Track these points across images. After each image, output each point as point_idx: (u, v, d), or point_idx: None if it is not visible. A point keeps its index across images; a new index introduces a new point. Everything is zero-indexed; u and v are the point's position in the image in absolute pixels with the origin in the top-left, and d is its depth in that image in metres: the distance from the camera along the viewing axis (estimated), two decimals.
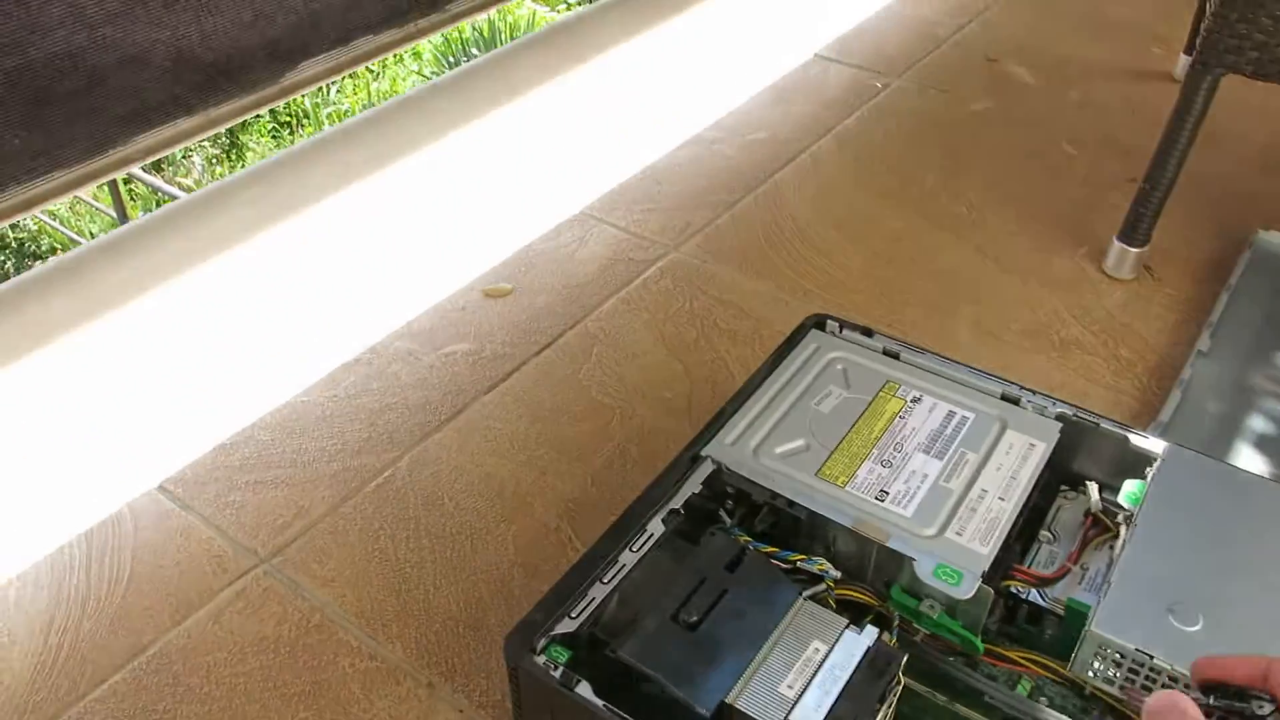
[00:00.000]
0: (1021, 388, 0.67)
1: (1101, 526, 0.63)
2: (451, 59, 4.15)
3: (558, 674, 0.52)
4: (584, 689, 0.51)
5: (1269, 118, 1.16)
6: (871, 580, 0.60)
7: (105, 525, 0.73)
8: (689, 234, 1.01)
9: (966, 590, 0.55)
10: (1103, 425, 0.65)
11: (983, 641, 0.58)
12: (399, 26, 0.87)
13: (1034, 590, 0.60)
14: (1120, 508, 0.62)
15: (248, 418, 0.80)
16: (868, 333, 0.72)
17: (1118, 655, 0.52)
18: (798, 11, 1.45)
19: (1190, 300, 0.92)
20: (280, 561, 0.70)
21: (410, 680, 0.63)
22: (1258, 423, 0.78)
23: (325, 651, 0.65)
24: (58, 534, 0.72)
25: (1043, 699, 0.57)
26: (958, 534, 0.58)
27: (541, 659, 0.52)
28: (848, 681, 0.51)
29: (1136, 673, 0.52)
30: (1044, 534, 0.65)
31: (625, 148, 1.14)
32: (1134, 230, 0.92)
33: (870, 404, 0.66)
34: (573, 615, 0.54)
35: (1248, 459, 0.75)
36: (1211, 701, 0.39)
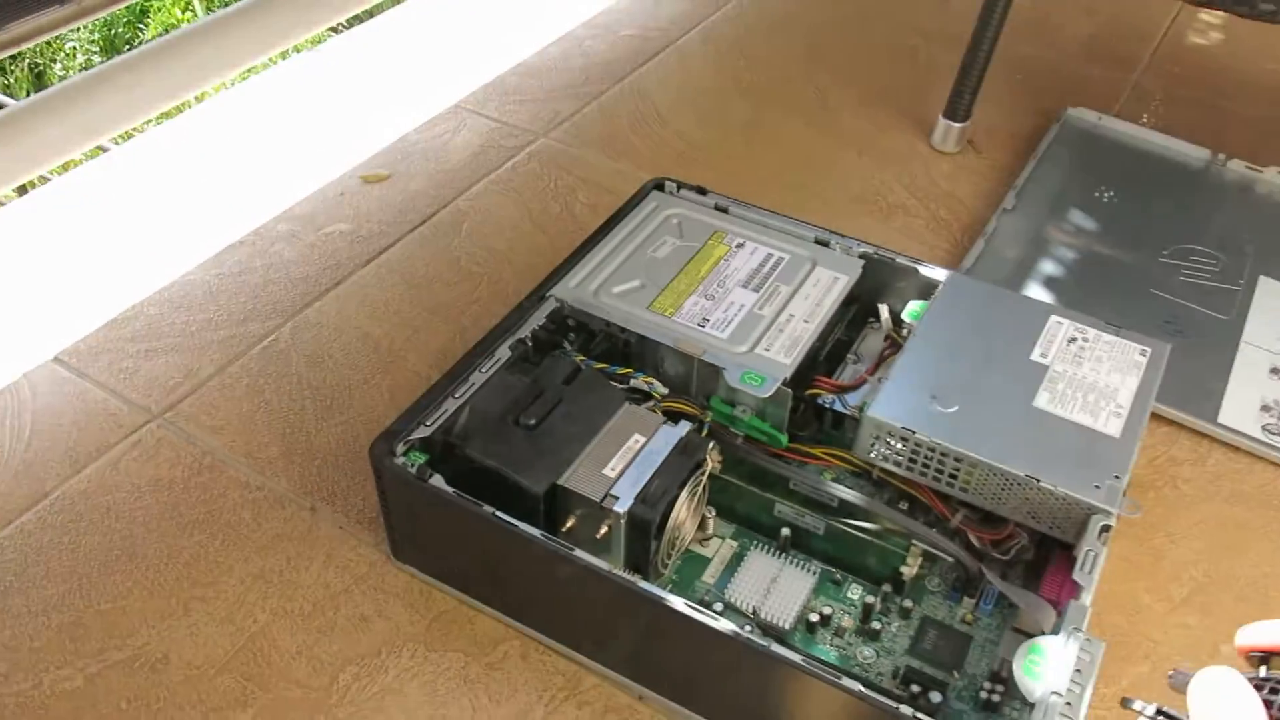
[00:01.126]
0: (831, 232, 0.76)
1: (895, 345, 0.73)
2: None
3: (414, 471, 0.60)
4: (437, 481, 0.59)
5: (1095, 14, 1.26)
6: (695, 394, 0.68)
7: (3, 393, 0.79)
8: (556, 122, 1.08)
9: (768, 390, 0.64)
10: (898, 260, 0.74)
11: (793, 443, 0.67)
12: None
13: (835, 398, 0.69)
14: (906, 325, 0.72)
15: (137, 295, 0.86)
16: (701, 191, 0.80)
17: (888, 435, 0.62)
18: None
19: (1007, 169, 1.02)
20: (172, 415, 0.77)
21: (294, 505, 0.71)
22: (1046, 265, 0.88)
23: (216, 487, 0.72)
24: None
25: (840, 484, 0.66)
26: (765, 350, 0.67)
27: (401, 460, 0.60)
28: (661, 462, 0.60)
29: (905, 447, 0.61)
30: (850, 356, 0.74)
31: (499, 45, 1.20)
32: (955, 106, 1.02)
33: (699, 250, 0.75)
34: (427, 424, 0.62)
35: (1035, 295, 0.85)
36: (1263, 674, 0.35)
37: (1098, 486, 0.57)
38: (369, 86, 1.14)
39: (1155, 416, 0.77)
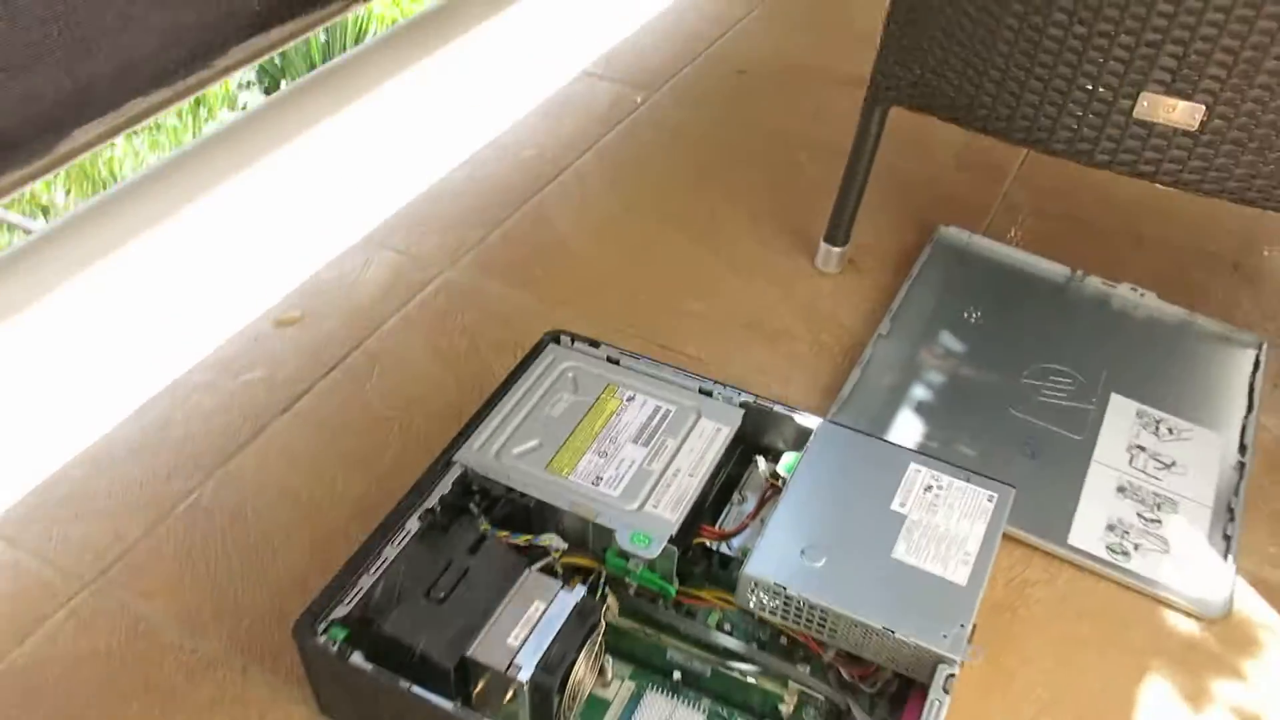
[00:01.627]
0: (715, 382, 0.83)
1: (775, 488, 0.80)
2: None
3: (335, 649, 0.65)
4: (357, 658, 0.65)
5: None
6: (593, 547, 0.75)
7: None
8: (462, 252, 1.14)
9: (654, 551, 0.70)
10: (775, 409, 0.82)
11: (681, 586, 0.74)
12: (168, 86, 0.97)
13: (721, 543, 0.76)
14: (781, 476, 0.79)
15: (62, 457, 0.91)
16: (594, 344, 0.87)
17: (763, 590, 0.69)
18: (568, 30, 1.58)
19: (886, 288, 1.11)
20: (104, 582, 0.81)
21: (226, 667, 0.76)
22: (917, 390, 0.97)
23: (152, 654, 0.77)
24: None
25: (727, 624, 0.73)
26: (654, 506, 0.74)
27: (323, 639, 0.66)
28: (560, 628, 0.66)
29: (779, 600, 0.68)
30: (736, 495, 0.82)
31: (405, 171, 1.26)
32: (834, 232, 1.10)
33: (593, 404, 0.82)
34: (345, 602, 0.68)
35: (907, 422, 0.93)
36: None
37: (944, 636, 0.65)
38: (276, 223, 1.19)
39: (1012, 539, 0.85)
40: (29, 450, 0.92)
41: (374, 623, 0.67)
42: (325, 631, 0.66)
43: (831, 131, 1.33)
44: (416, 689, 0.64)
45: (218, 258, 1.14)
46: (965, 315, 1.05)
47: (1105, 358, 1.01)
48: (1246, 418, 0.97)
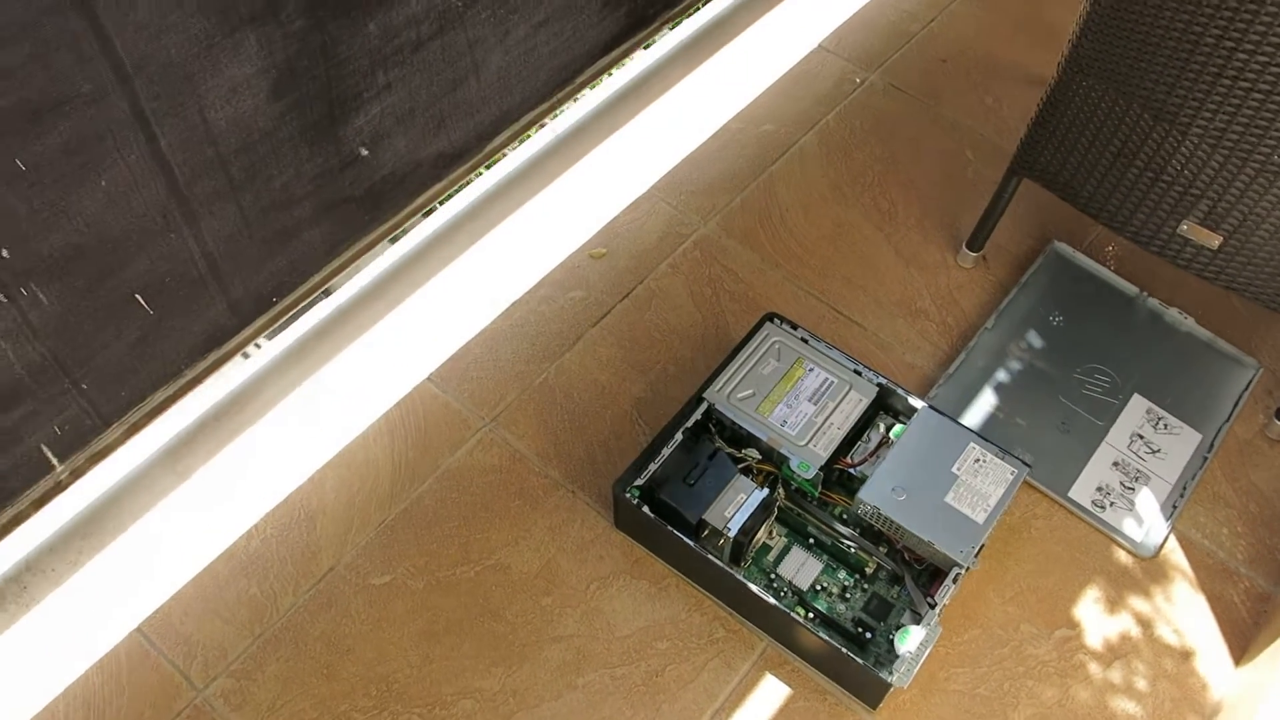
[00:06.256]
0: (863, 365, 1.36)
1: (887, 441, 1.34)
2: None
3: (635, 501, 1.26)
4: (645, 509, 1.25)
5: None
6: (776, 462, 1.32)
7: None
8: (714, 214, 1.67)
9: (811, 474, 1.27)
10: (898, 390, 1.35)
11: (823, 490, 1.30)
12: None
13: (850, 469, 1.32)
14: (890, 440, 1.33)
15: (470, 332, 1.51)
16: (794, 326, 1.40)
17: (868, 507, 1.24)
18: (805, 4, 2.00)
19: (1004, 286, 1.59)
20: (494, 425, 1.43)
21: (564, 489, 1.37)
22: (999, 375, 1.47)
23: (523, 473, 1.38)
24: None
25: (845, 516, 1.30)
26: (814, 445, 1.30)
27: (627, 495, 1.26)
28: (753, 511, 1.24)
29: (875, 513, 1.24)
30: (865, 436, 1.36)
31: (675, 137, 1.76)
32: (974, 241, 1.58)
33: (787, 371, 1.36)
34: (642, 476, 1.27)
35: (986, 398, 1.45)
36: None
37: (961, 551, 1.20)
38: (586, 180, 1.72)
39: (1031, 487, 1.38)
40: (459, 319, 1.51)
41: (655, 491, 1.26)
42: (627, 492, 1.26)
43: (999, 132, 1.77)
44: (673, 529, 1.23)
45: (556, 205, 1.69)
46: (1050, 318, 1.53)
47: (1140, 364, 1.49)
48: (1224, 424, 1.45)
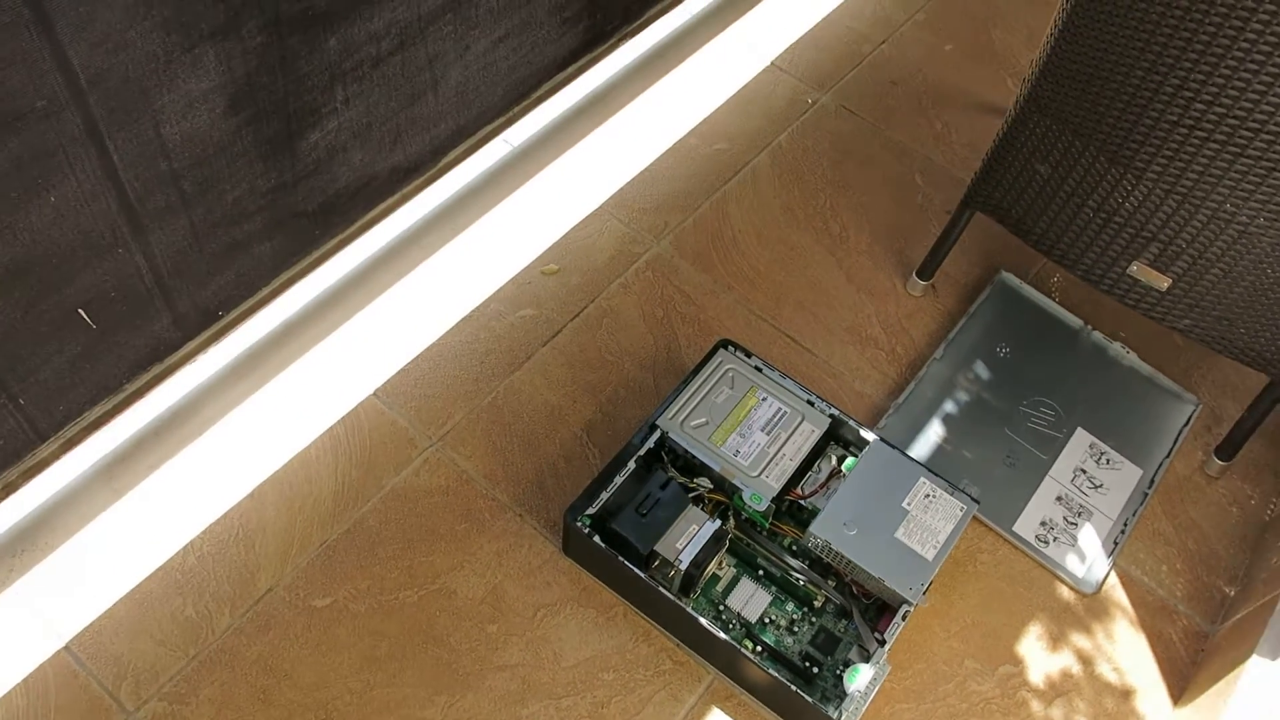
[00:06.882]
0: (816, 396, 1.36)
1: (838, 473, 1.34)
2: None
3: (586, 530, 1.24)
4: (596, 539, 1.23)
5: None
6: (728, 492, 1.31)
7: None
8: (665, 233, 1.65)
9: (763, 505, 1.26)
10: (849, 421, 1.35)
11: (773, 521, 1.30)
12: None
13: (801, 501, 1.32)
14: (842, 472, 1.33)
15: (414, 351, 1.48)
16: (748, 354, 1.40)
17: (819, 540, 1.24)
18: (765, 20, 1.99)
19: (952, 315, 1.60)
20: (441, 444, 1.40)
21: (511, 511, 1.35)
22: (947, 405, 1.48)
23: (469, 494, 1.36)
24: None
25: (794, 548, 1.30)
26: (766, 476, 1.29)
27: (579, 523, 1.24)
28: (705, 541, 1.23)
29: (825, 547, 1.24)
30: (815, 467, 1.36)
31: (627, 153, 1.74)
32: (924, 270, 1.59)
33: (740, 399, 1.36)
34: (593, 505, 1.25)
35: (934, 429, 1.45)
36: None
37: (910, 588, 1.21)
38: (535, 196, 1.70)
39: (979, 522, 1.39)
40: (407, 334, 1.48)
41: (607, 520, 1.24)
42: (579, 520, 1.25)
43: (948, 158, 1.78)
44: (624, 560, 1.22)
45: (509, 220, 1.66)
46: (998, 349, 1.55)
47: (1083, 398, 1.51)
48: (1164, 460, 1.47)
